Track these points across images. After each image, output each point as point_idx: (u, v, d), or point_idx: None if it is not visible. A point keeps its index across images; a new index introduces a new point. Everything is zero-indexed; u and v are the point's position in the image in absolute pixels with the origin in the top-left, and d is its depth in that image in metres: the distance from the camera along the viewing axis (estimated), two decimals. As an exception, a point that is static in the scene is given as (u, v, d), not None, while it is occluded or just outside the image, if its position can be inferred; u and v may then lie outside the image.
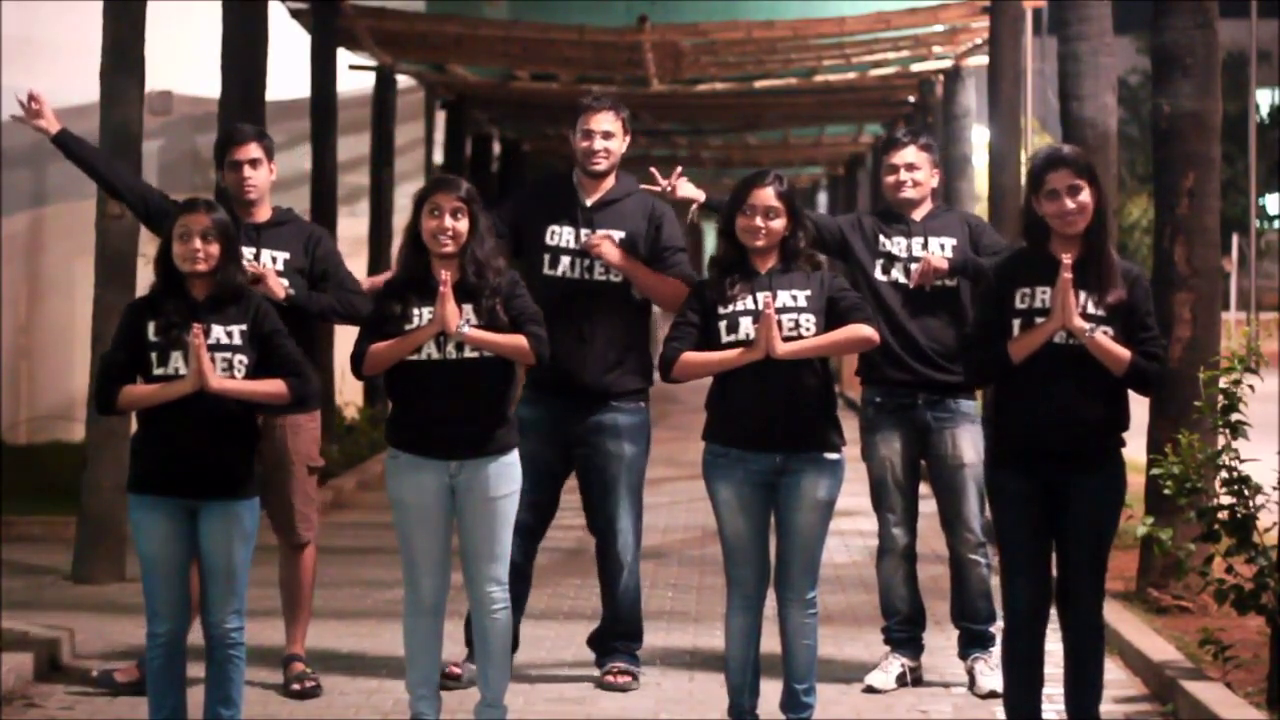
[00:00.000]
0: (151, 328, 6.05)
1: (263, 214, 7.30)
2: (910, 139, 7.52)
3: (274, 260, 7.16)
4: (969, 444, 7.32)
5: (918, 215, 7.47)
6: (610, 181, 7.46)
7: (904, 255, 7.39)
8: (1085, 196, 6.01)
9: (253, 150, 7.28)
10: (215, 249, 6.08)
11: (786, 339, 6.28)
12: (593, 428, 7.37)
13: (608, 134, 7.40)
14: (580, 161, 7.45)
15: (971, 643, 7.50)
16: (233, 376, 6.05)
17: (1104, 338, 5.97)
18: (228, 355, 6.05)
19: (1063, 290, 5.91)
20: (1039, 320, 5.99)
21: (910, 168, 7.44)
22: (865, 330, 6.36)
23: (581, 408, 7.36)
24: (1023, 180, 8.96)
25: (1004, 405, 6.14)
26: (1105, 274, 6.00)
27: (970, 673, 7.46)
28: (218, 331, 6.05)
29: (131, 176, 7.56)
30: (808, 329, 6.32)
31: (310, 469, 7.42)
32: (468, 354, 6.32)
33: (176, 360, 6.01)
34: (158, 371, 6.03)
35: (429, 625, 6.47)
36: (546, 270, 7.38)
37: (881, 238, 7.43)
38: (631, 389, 7.41)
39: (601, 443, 7.36)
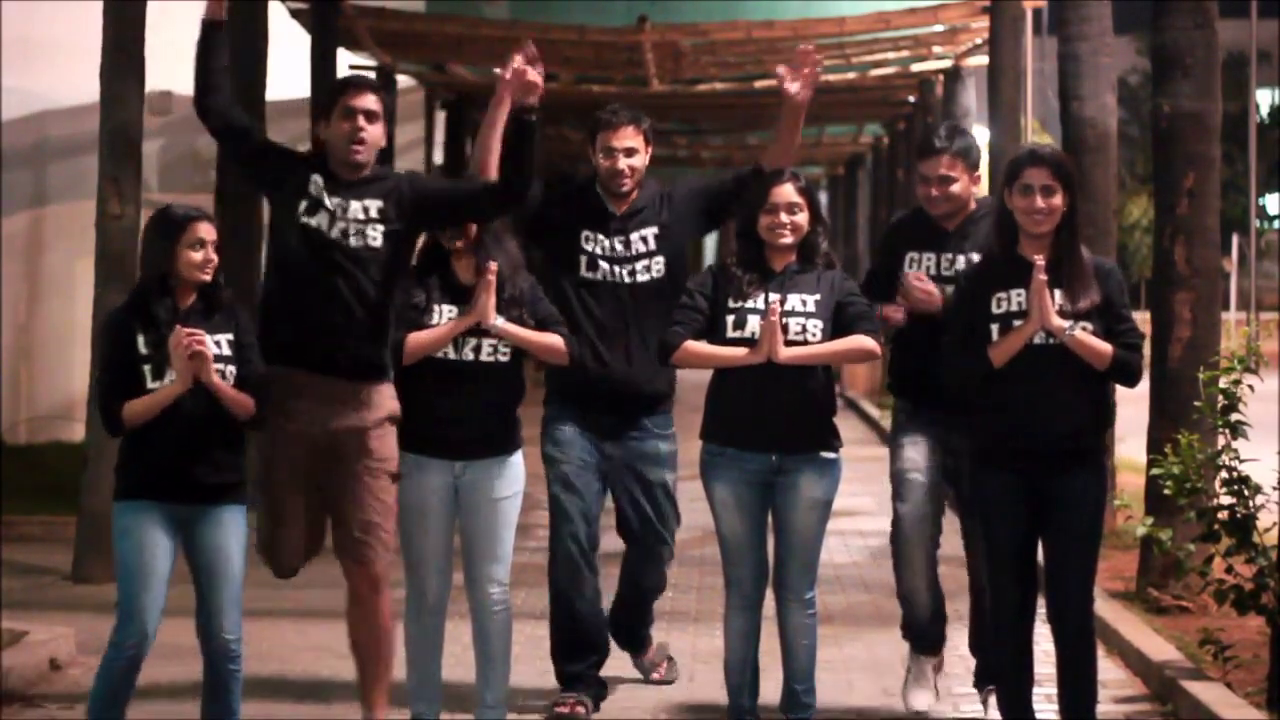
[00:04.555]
0: (141, 340, 5.94)
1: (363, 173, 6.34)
2: (945, 144, 6.80)
3: (365, 210, 6.21)
4: None
5: (953, 224, 6.87)
6: (635, 191, 7.08)
7: (933, 274, 6.84)
8: (1057, 200, 6.03)
9: (371, 101, 6.22)
10: (216, 258, 6.07)
11: (792, 343, 6.28)
12: (636, 455, 7.05)
13: (630, 151, 6.97)
14: (604, 181, 7.04)
15: (988, 675, 6.96)
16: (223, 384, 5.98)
17: (1084, 334, 5.99)
18: (220, 366, 5.97)
19: (1038, 292, 5.93)
20: (1017, 323, 6.01)
21: (943, 181, 6.80)
22: (868, 343, 6.34)
23: (623, 422, 7.02)
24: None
25: (987, 406, 6.14)
26: (1078, 276, 6.02)
27: (985, 703, 7.05)
28: (207, 341, 5.95)
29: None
30: (814, 334, 6.31)
31: (392, 476, 6.33)
32: (484, 356, 6.35)
33: (171, 375, 5.91)
34: (152, 385, 5.92)
35: (432, 626, 6.46)
36: (584, 272, 6.99)
37: (910, 255, 6.90)
38: (666, 392, 7.14)
39: (646, 472, 7.06)
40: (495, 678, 6.49)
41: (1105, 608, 8.40)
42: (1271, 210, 46.06)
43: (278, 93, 13.45)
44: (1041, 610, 6.20)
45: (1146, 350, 6.91)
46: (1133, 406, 9.52)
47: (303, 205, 6.16)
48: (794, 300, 6.33)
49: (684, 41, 18.05)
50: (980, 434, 6.19)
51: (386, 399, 6.26)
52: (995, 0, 15.10)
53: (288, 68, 14.99)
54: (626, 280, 6.99)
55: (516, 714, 7.00)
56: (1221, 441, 7.13)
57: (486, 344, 6.38)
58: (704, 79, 20.50)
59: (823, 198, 37.05)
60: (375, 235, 6.18)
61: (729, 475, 6.38)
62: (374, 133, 6.21)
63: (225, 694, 6.08)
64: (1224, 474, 7.11)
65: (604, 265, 6.98)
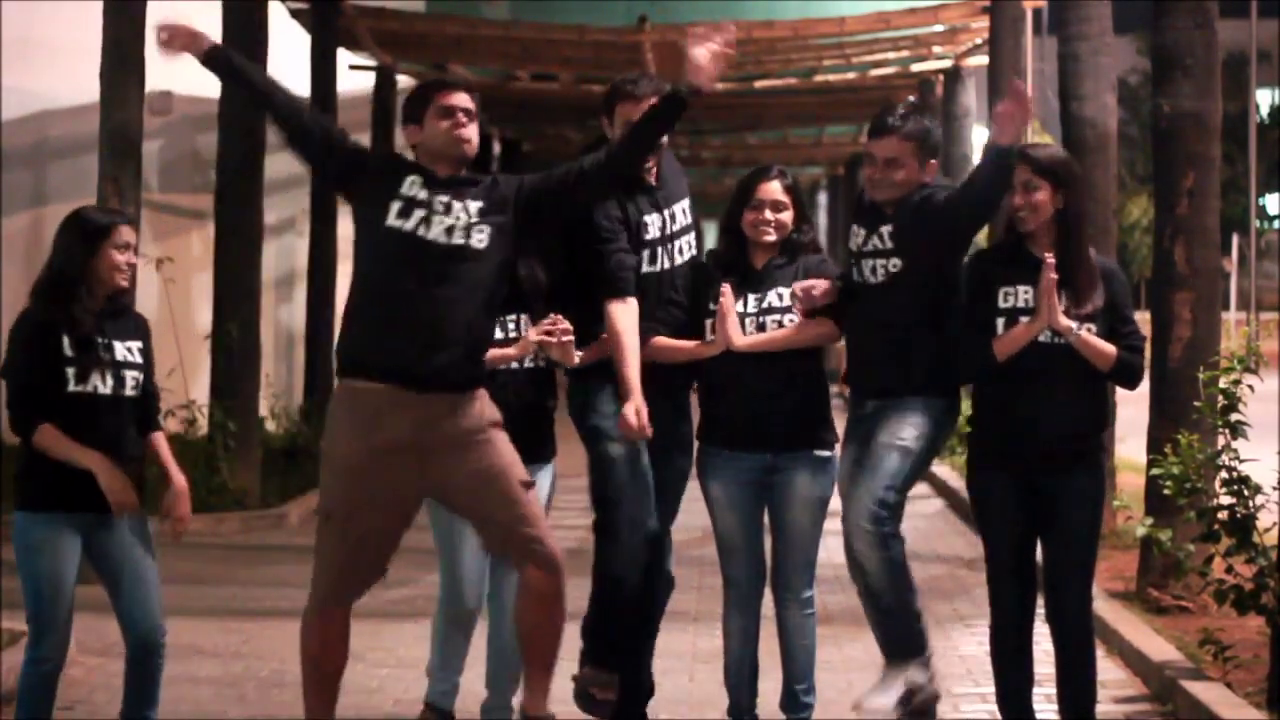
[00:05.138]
0: (66, 343, 5.83)
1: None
2: (897, 124, 6.12)
3: (468, 210, 5.75)
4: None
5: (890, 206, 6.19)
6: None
7: (858, 246, 6.26)
8: (1039, 196, 6.03)
9: (466, 99, 5.86)
10: (136, 262, 6.04)
11: None
12: (677, 439, 6.50)
13: None
14: None
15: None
16: (136, 393, 5.94)
17: (1089, 335, 5.99)
18: (136, 374, 5.93)
19: (1047, 291, 5.91)
20: (1023, 319, 6.00)
21: (888, 164, 6.13)
22: (824, 326, 6.27)
23: (668, 410, 6.42)
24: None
25: (987, 406, 6.13)
26: (1085, 279, 6.01)
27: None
28: (120, 349, 5.91)
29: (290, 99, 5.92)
30: None
31: (524, 484, 5.81)
32: (528, 364, 6.31)
33: (95, 379, 5.85)
34: (75, 389, 5.82)
35: (465, 630, 6.40)
36: (647, 267, 6.35)
37: (853, 227, 6.38)
38: (685, 382, 6.58)
39: (677, 457, 6.56)
40: (506, 675, 6.47)
41: (1105, 608, 8.40)
42: (1271, 210, 46.12)
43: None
44: (1040, 610, 6.20)
45: (1146, 350, 6.91)
46: (1133, 406, 9.53)
47: (394, 208, 5.66)
48: (772, 296, 6.30)
49: (684, 41, 18.04)
50: (979, 435, 6.18)
51: (487, 405, 5.77)
52: (995, 0, 15.13)
53: (288, 68, 15.00)
54: (674, 263, 6.43)
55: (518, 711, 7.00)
56: (1221, 441, 7.13)
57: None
58: (704, 79, 20.47)
59: (822, 198, 37.18)
60: (481, 236, 5.69)
61: (723, 475, 6.37)
62: (474, 130, 5.84)
63: (154, 687, 6.04)
64: (1224, 474, 7.11)
65: (660, 253, 6.39)
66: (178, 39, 5.71)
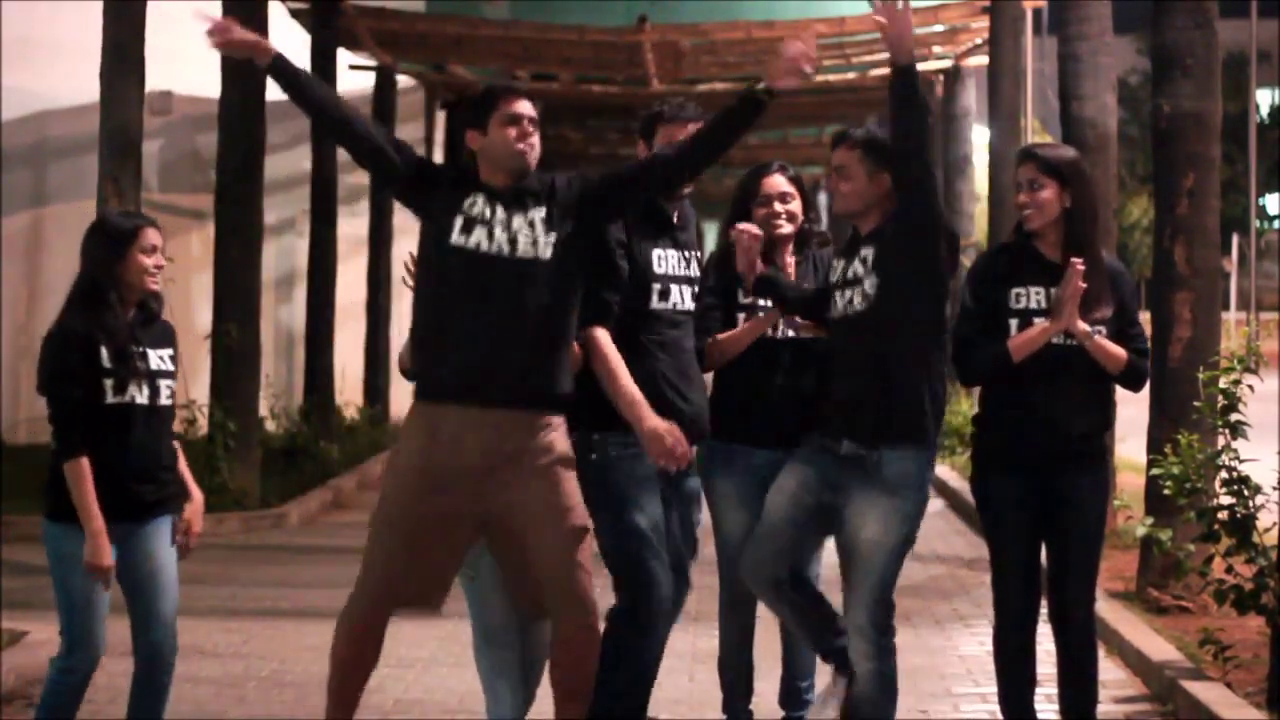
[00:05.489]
0: (105, 354, 5.76)
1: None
2: (849, 134, 6.02)
3: (531, 221, 5.60)
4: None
5: (865, 227, 6.03)
6: None
7: (837, 278, 6.04)
8: (1044, 194, 6.01)
9: (529, 107, 5.76)
10: (164, 264, 5.98)
11: (799, 340, 6.24)
12: (692, 489, 6.25)
13: None
14: None
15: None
16: (170, 401, 5.91)
17: (1102, 339, 5.99)
18: (170, 383, 5.90)
19: (1072, 296, 5.88)
20: (1038, 321, 5.98)
21: (838, 172, 6.00)
22: None
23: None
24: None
25: (995, 407, 6.11)
26: (1097, 282, 5.98)
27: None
28: (154, 357, 5.86)
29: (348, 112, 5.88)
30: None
31: (581, 529, 5.58)
32: None
33: (133, 389, 5.78)
34: (113, 400, 5.74)
35: (505, 645, 6.01)
36: (656, 304, 6.01)
37: (834, 261, 6.21)
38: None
39: (691, 512, 6.29)
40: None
41: (1105, 608, 8.40)
42: (1271, 210, 46.14)
43: (278, 93, 13.42)
44: (1043, 610, 6.20)
45: (1147, 350, 6.93)
46: (1133, 406, 9.53)
47: (457, 224, 5.54)
48: None
49: (684, 41, 18.08)
50: (985, 438, 6.16)
51: (561, 438, 5.58)
52: (995, 0, 15.14)
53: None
54: (690, 304, 6.16)
55: None
56: (1221, 441, 7.13)
57: None
58: (704, 79, 20.52)
59: (823, 198, 37.18)
60: (545, 244, 5.55)
61: (732, 470, 6.31)
62: (537, 140, 5.72)
63: (158, 700, 5.99)
64: (1224, 474, 7.11)
65: (675, 290, 6.07)
66: (233, 43, 5.64)
